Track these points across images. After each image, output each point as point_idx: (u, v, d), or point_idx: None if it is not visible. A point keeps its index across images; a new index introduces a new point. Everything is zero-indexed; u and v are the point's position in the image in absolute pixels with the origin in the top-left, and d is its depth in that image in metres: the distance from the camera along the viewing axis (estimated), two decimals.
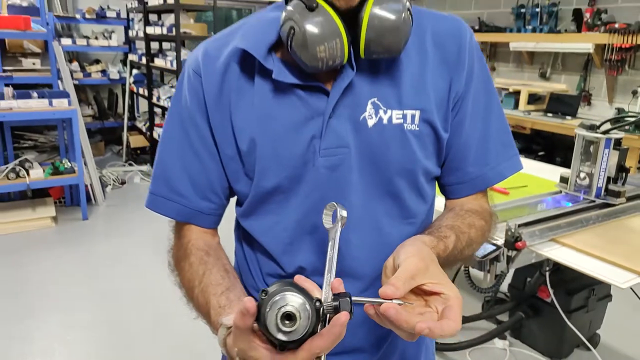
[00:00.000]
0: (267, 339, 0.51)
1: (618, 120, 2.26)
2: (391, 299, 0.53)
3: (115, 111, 5.86)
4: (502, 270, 1.55)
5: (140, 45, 5.34)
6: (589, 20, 4.31)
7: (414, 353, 0.84)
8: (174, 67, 4.48)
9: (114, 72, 5.53)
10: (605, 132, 1.76)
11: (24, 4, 4.14)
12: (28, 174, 3.62)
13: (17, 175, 3.60)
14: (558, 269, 1.97)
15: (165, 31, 4.55)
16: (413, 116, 0.71)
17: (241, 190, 0.76)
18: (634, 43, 3.93)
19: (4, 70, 3.80)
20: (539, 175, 2.25)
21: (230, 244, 0.84)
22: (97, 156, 5.06)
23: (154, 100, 5.06)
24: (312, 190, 0.71)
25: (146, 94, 5.17)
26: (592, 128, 1.78)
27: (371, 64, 0.70)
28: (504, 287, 2.46)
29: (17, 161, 3.69)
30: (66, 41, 5.08)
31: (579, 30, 4.44)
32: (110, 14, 5.40)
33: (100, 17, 5.33)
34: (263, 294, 0.49)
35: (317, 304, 0.49)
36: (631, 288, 2.09)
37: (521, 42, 4.90)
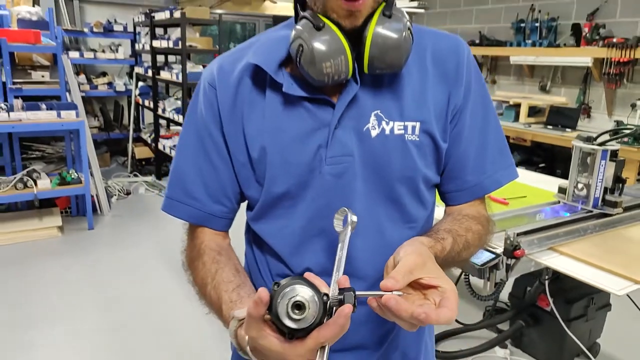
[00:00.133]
0: (277, 328, 0.55)
1: (617, 132, 2.31)
2: (391, 291, 0.58)
3: (120, 123, 5.93)
4: (501, 278, 1.58)
5: (146, 58, 5.43)
6: (588, 35, 4.39)
7: (414, 352, 0.88)
8: (180, 79, 4.56)
9: (120, 85, 5.62)
10: (602, 143, 1.80)
11: (34, 18, 4.23)
12: (36, 184, 3.68)
13: (25, 186, 3.66)
14: (557, 277, 2.01)
15: (171, 44, 4.63)
16: (414, 127, 0.76)
17: (252, 196, 0.81)
18: (631, 57, 4.00)
19: (14, 83, 3.87)
20: (538, 186, 2.30)
21: (240, 248, 0.89)
22: (103, 167, 5.12)
23: (160, 112, 5.13)
24: (318, 196, 0.76)
25: (152, 105, 5.25)
26: (589, 140, 1.83)
27: (374, 78, 0.75)
28: (505, 296, 2.49)
29: (24, 171, 3.75)
30: (74, 54, 5.17)
31: (577, 44, 4.51)
32: (117, 27, 5.50)
33: (108, 30, 5.43)
34: (275, 286, 0.54)
35: (325, 297, 0.54)
36: (630, 297, 2.14)
37: (521, 56, 4.97)
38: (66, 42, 5.43)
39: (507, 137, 4.57)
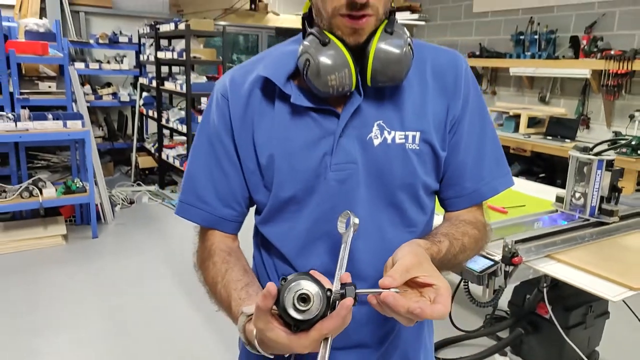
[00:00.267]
0: (283, 321, 0.60)
1: (614, 142, 2.35)
2: (389, 288, 0.62)
3: (124, 132, 6.00)
4: (500, 285, 1.62)
5: (151, 68, 5.50)
6: (586, 47, 4.45)
7: (414, 351, 0.92)
8: (184, 90, 4.62)
9: (124, 95, 5.69)
10: (598, 153, 1.84)
11: (41, 29, 4.31)
12: (41, 192, 3.72)
13: (31, 194, 3.71)
14: (556, 285, 2.04)
15: (175, 56, 4.71)
16: (414, 137, 0.81)
17: (260, 200, 0.85)
18: (629, 69, 4.06)
19: (21, 93, 3.94)
20: (536, 195, 2.33)
21: (248, 251, 0.93)
22: (107, 176, 5.17)
23: (163, 122, 5.20)
24: (323, 201, 0.80)
25: (155, 116, 5.31)
26: (586, 150, 1.87)
27: (377, 90, 0.80)
28: (505, 304, 2.52)
29: (30, 180, 3.80)
30: (79, 65, 5.25)
31: (576, 56, 4.57)
32: (122, 39, 5.58)
33: (113, 42, 5.51)
34: (283, 281, 0.58)
35: (328, 292, 0.59)
36: (628, 306, 2.17)
37: (521, 68, 5.04)
38: (72, 53, 5.52)
39: (507, 148, 4.67)
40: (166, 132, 5.52)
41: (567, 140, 4.40)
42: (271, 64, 0.82)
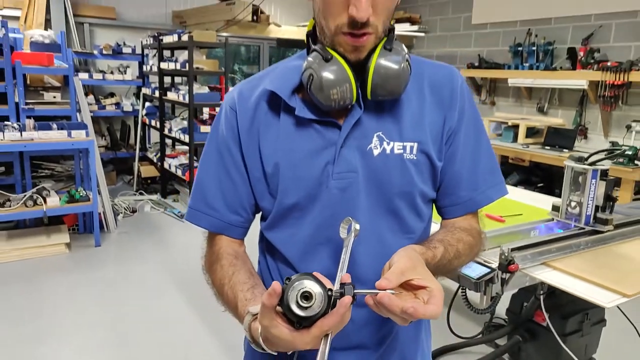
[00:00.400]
0: (287, 319, 0.64)
1: (611, 152, 2.40)
2: (385, 289, 0.66)
3: (127, 142, 6.05)
4: (497, 292, 1.65)
5: (154, 79, 5.57)
6: (583, 59, 4.52)
7: (412, 352, 0.96)
8: (186, 100, 4.68)
9: (127, 105, 5.75)
10: (593, 163, 1.89)
11: (47, 41, 4.37)
12: (45, 201, 3.77)
13: (35, 203, 3.75)
14: (553, 293, 2.07)
15: (178, 66, 4.77)
16: (412, 147, 0.86)
17: (266, 207, 0.90)
18: (625, 80, 4.12)
19: (27, 103, 4.00)
20: (534, 204, 2.38)
21: (254, 256, 0.97)
22: (109, 185, 5.21)
23: (166, 131, 5.25)
24: (325, 208, 0.85)
25: (158, 125, 5.37)
26: (580, 160, 1.92)
27: (376, 104, 0.85)
28: (503, 312, 2.55)
29: (34, 189, 3.85)
30: (83, 75, 5.31)
31: (573, 67, 4.64)
32: (126, 50, 5.65)
33: (117, 52, 5.58)
34: (287, 280, 0.63)
35: (329, 291, 0.63)
36: (624, 314, 2.20)
37: (519, 78, 5.10)
38: (76, 63, 5.59)
39: (506, 157, 4.71)
40: (168, 141, 5.57)
41: (565, 150, 4.44)
42: (277, 78, 0.87)
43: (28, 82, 4.36)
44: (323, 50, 0.80)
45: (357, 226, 0.75)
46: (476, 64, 5.57)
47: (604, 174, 1.91)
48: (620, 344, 2.62)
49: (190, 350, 2.62)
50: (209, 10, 5.83)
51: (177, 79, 5.83)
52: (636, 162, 3.81)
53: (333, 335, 0.64)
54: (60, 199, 3.84)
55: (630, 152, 3.72)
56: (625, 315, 2.20)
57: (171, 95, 5.07)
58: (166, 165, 5.26)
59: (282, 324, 0.64)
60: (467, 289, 1.86)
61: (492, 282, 1.61)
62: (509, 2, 5.38)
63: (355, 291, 0.65)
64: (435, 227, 0.97)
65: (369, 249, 0.85)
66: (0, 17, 4.19)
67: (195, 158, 4.86)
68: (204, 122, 5.10)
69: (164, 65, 5.07)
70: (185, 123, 5.04)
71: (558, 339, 2.00)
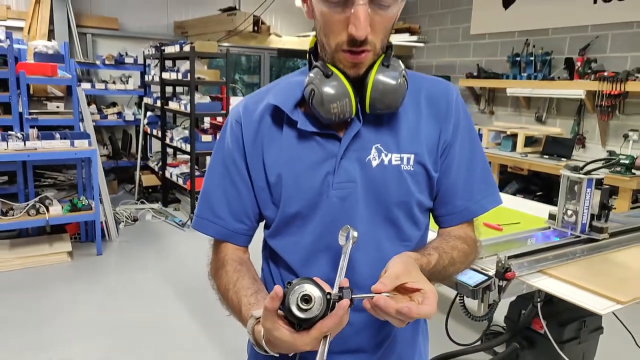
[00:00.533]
0: (288, 322, 0.68)
1: (608, 161, 2.43)
2: (381, 293, 0.70)
3: (128, 151, 6.09)
4: (494, 299, 1.68)
5: (155, 89, 5.62)
6: (580, 69, 4.57)
7: (409, 356, 0.99)
8: (188, 110, 4.73)
9: (129, 114, 5.80)
10: (588, 172, 1.92)
11: (50, 51, 4.43)
12: (48, 210, 3.80)
13: (37, 212, 3.78)
14: (550, 300, 2.10)
15: (180, 76, 4.82)
16: (409, 159, 0.90)
17: (269, 216, 0.94)
18: (622, 90, 4.17)
19: (30, 113, 4.04)
20: (531, 213, 2.41)
21: (257, 264, 1.01)
22: (111, 194, 5.24)
23: (167, 141, 5.29)
24: (325, 216, 0.89)
25: (159, 135, 5.41)
26: (576, 169, 1.96)
27: (375, 117, 0.89)
28: (501, 320, 2.57)
29: (37, 198, 3.88)
30: (86, 85, 5.37)
31: (571, 77, 4.69)
32: (128, 60, 5.71)
33: (119, 63, 5.65)
34: (288, 285, 0.67)
35: (328, 295, 0.67)
36: (622, 322, 2.22)
37: (517, 88, 5.16)
38: (78, 73, 5.65)
39: (505, 166, 4.75)
40: (170, 150, 5.61)
41: (563, 159, 4.48)
42: (280, 93, 0.91)
43: (31, 92, 4.41)
44: (324, 67, 0.84)
45: (355, 233, 0.79)
46: (475, 73, 5.63)
47: (599, 183, 1.94)
48: (618, 352, 2.64)
49: (192, 357, 2.64)
50: (211, 21, 5.90)
51: (179, 89, 5.89)
52: (633, 171, 3.85)
53: (332, 337, 0.68)
54: (62, 207, 3.88)
55: (627, 161, 3.76)
56: (623, 323, 2.23)
57: (173, 105, 5.12)
58: (167, 174, 5.30)
59: (283, 326, 0.68)
60: (464, 297, 1.89)
61: (490, 289, 1.64)
62: (507, 13, 5.45)
63: (352, 295, 0.69)
64: (432, 235, 1.00)
65: (367, 256, 0.89)
66: (4, 28, 4.24)
67: (196, 167, 4.90)
68: (205, 132, 5.15)
69: (165, 75, 5.12)
70: (187, 132, 5.09)
71: (555, 346, 2.02)
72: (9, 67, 3.90)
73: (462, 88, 5.89)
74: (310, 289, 0.66)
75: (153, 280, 3.58)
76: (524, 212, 2.42)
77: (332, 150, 0.88)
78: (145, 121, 5.82)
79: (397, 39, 6.41)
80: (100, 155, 5.50)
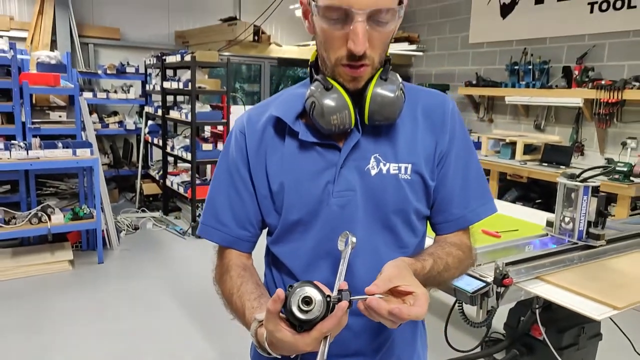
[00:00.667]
0: (290, 323, 0.70)
1: (605, 169, 2.46)
2: (374, 294, 0.73)
3: (129, 160, 6.13)
4: (492, 306, 1.70)
5: (156, 98, 5.67)
6: (578, 77, 4.61)
7: (408, 359, 1.01)
8: (189, 118, 4.76)
9: (130, 123, 5.84)
10: (584, 180, 1.95)
11: (53, 62, 4.48)
12: (49, 219, 3.83)
13: (40, 221, 3.81)
14: (549, 307, 2.12)
15: (181, 86, 4.87)
16: (406, 168, 0.93)
17: (271, 223, 0.97)
18: (619, 98, 4.21)
19: (33, 123, 4.08)
20: (530, 220, 2.43)
21: (260, 270, 1.03)
22: (112, 203, 5.25)
23: (168, 149, 5.33)
24: (326, 223, 0.92)
25: (160, 143, 5.45)
26: (572, 177, 1.98)
27: (373, 128, 0.92)
28: (501, 327, 2.59)
29: (39, 207, 3.91)
30: (87, 94, 5.42)
31: (569, 86, 4.73)
32: (129, 69, 5.77)
33: (120, 72, 5.70)
34: (289, 288, 0.69)
35: (328, 298, 0.70)
36: (620, 328, 2.24)
37: (516, 96, 5.20)
38: (80, 83, 5.70)
39: (504, 174, 4.78)
40: (170, 159, 5.65)
41: (562, 166, 4.50)
42: (282, 105, 0.95)
43: (34, 101, 4.45)
44: (324, 80, 0.88)
45: (354, 239, 0.82)
46: (474, 82, 5.67)
47: (596, 190, 1.97)
48: (616, 358, 2.66)
49: None
50: (211, 31, 5.96)
51: (180, 98, 5.94)
52: (632, 178, 3.88)
53: (332, 338, 0.70)
54: (64, 216, 3.90)
55: (625, 169, 3.78)
56: (621, 330, 2.24)
57: (174, 114, 5.17)
58: (168, 183, 5.33)
59: (285, 327, 0.71)
60: (463, 303, 1.91)
61: (488, 295, 1.66)
62: (505, 22, 5.51)
63: (351, 297, 0.72)
64: (429, 241, 1.03)
65: (366, 262, 0.91)
66: (7, 38, 4.29)
67: (197, 175, 4.93)
68: (205, 140, 5.18)
69: (166, 84, 5.17)
70: (187, 141, 5.13)
71: (554, 352, 2.04)
72: (12, 78, 3.94)
73: (461, 96, 5.93)
74: (310, 291, 0.68)
75: (154, 289, 3.60)
76: (522, 220, 2.44)
77: (333, 159, 0.91)
78: (146, 130, 5.86)
79: (396, 48, 6.46)
80: (102, 164, 5.55)
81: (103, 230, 4.16)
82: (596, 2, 4.63)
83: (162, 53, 5.34)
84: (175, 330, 3.03)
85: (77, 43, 5.69)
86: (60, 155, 3.80)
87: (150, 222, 5.13)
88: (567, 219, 2.03)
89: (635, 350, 2.35)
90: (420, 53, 6.67)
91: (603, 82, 4.36)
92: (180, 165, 5.82)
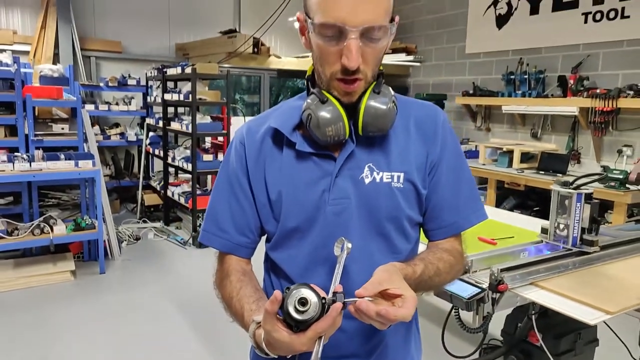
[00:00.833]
0: (286, 324, 0.74)
1: (599, 175, 2.50)
2: (363, 297, 0.76)
3: (131, 171, 6.18)
4: (488, 312, 1.73)
5: (157, 109, 5.73)
6: (573, 86, 4.67)
7: None
8: (189, 130, 4.81)
9: (131, 135, 5.90)
10: (577, 187, 1.99)
11: (55, 75, 4.54)
12: (52, 230, 3.86)
13: (42, 231, 3.84)
14: (545, 313, 2.15)
15: (182, 97, 4.93)
16: (399, 177, 0.97)
17: (270, 230, 1.01)
18: (614, 107, 4.26)
19: (36, 135, 4.13)
20: (526, 227, 2.47)
21: (259, 276, 1.07)
22: (113, 213, 5.29)
23: (169, 160, 5.37)
24: (322, 230, 0.96)
25: (161, 154, 5.50)
26: (566, 184, 2.03)
27: (367, 139, 0.97)
28: (499, 334, 2.62)
29: (41, 218, 3.94)
30: (89, 107, 5.47)
31: (564, 95, 4.79)
32: (130, 81, 5.83)
33: (122, 84, 5.77)
34: (287, 290, 0.73)
35: (323, 300, 0.74)
36: (616, 334, 2.27)
37: (512, 106, 5.25)
38: (82, 95, 5.76)
39: (502, 182, 4.82)
40: (171, 170, 5.70)
41: (559, 174, 4.54)
42: (280, 117, 1.00)
43: (37, 114, 4.51)
44: (320, 93, 0.92)
45: (349, 245, 0.86)
46: (471, 91, 5.74)
47: (589, 197, 2.01)
48: None
49: None
50: (211, 43, 6.03)
51: (180, 109, 5.99)
52: (627, 185, 3.91)
53: (326, 339, 0.74)
54: (66, 227, 3.94)
55: (621, 177, 3.82)
56: (617, 336, 2.27)
57: (174, 125, 5.22)
58: (169, 193, 5.37)
59: (282, 328, 0.75)
60: (460, 309, 1.94)
61: (483, 301, 1.69)
62: (501, 32, 5.59)
63: (345, 300, 0.76)
64: (423, 247, 1.07)
65: (361, 267, 0.95)
66: (11, 52, 4.35)
67: (198, 186, 4.97)
68: (206, 151, 5.23)
69: (167, 96, 5.23)
70: (188, 152, 5.17)
71: (552, 359, 2.06)
72: (15, 91, 4.00)
73: (459, 106, 5.99)
74: (306, 293, 0.72)
75: (155, 298, 3.63)
76: (518, 227, 2.48)
77: (328, 169, 0.96)
78: (148, 141, 5.91)
79: (394, 59, 6.54)
80: (103, 175, 5.59)
81: (105, 241, 4.20)
82: (590, 13, 4.70)
83: (163, 65, 5.41)
84: (176, 339, 3.05)
85: (79, 56, 5.77)
86: (62, 166, 3.85)
87: (151, 233, 5.16)
88: (561, 226, 2.06)
89: (632, 356, 2.37)
90: (418, 63, 6.75)
91: (598, 91, 4.42)
92: (181, 175, 5.87)
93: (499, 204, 4.93)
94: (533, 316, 2.07)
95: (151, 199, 5.82)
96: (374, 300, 0.77)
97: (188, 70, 4.74)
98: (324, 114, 0.90)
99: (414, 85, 6.90)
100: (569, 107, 4.65)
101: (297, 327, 0.73)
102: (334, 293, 0.76)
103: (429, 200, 1.01)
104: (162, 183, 5.53)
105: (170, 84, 5.58)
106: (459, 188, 1.03)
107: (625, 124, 4.48)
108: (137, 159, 6.16)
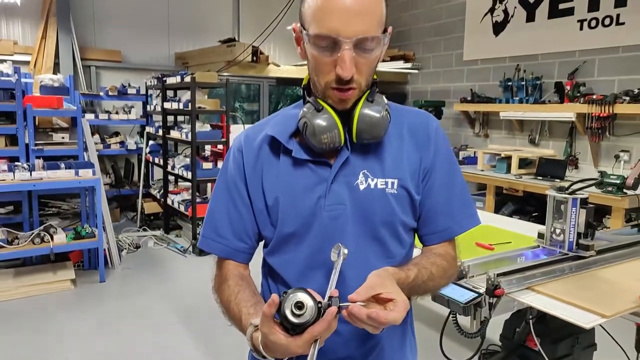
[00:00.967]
0: (283, 327, 0.76)
1: (596, 181, 2.52)
2: (355, 301, 0.78)
3: (131, 179, 6.19)
4: (485, 317, 1.75)
5: (157, 118, 5.76)
6: (570, 92, 4.71)
7: None
8: (189, 138, 4.84)
9: (131, 143, 5.93)
10: (572, 192, 2.01)
11: (56, 84, 4.58)
12: (52, 238, 3.88)
13: (42, 240, 3.86)
14: (543, 318, 2.16)
15: (181, 106, 4.96)
16: (393, 183, 0.99)
17: (267, 235, 1.04)
18: (611, 112, 4.29)
19: (36, 144, 4.16)
20: (523, 232, 2.48)
21: (257, 281, 1.09)
22: (113, 222, 5.30)
23: (169, 168, 5.40)
24: (318, 235, 0.98)
25: (161, 163, 5.52)
26: (561, 189, 2.05)
27: (362, 146, 0.99)
28: (497, 339, 2.62)
29: (42, 227, 3.95)
30: (89, 116, 5.50)
31: (561, 101, 4.82)
32: (130, 90, 5.87)
33: (122, 93, 5.80)
34: (284, 294, 0.75)
35: (319, 304, 0.76)
36: (614, 338, 2.28)
37: (510, 112, 5.28)
38: (82, 105, 5.79)
39: (500, 188, 4.85)
40: (171, 178, 5.72)
41: (557, 180, 4.55)
42: (277, 125, 1.02)
43: (37, 123, 4.54)
44: (315, 102, 0.95)
45: (346, 250, 0.88)
46: (469, 98, 5.77)
47: (584, 202, 2.03)
48: None
49: None
50: (211, 52, 6.08)
51: (180, 118, 6.02)
52: (625, 190, 3.93)
53: (322, 342, 0.76)
54: (66, 236, 3.95)
55: (618, 181, 3.85)
56: (615, 341, 2.28)
57: (174, 134, 5.24)
58: (169, 202, 5.39)
59: (279, 331, 0.76)
60: (457, 314, 1.95)
61: (480, 306, 1.71)
62: (498, 39, 5.63)
63: (340, 304, 0.77)
64: (417, 252, 1.09)
65: (356, 271, 0.97)
66: (11, 62, 4.39)
67: (197, 194, 4.99)
68: (206, 159, 5.26)
69: (167, 104, 5.26)
70: (188, 160, 5.20)
71: None
72: (16, 101, 4.03)
73: (457, 112, 6.03)
74: (303, 297, 0.74)
75: (155, 307, 3.63)
76: (515, 232, 2.49)
77: (324, 175, 0.98)
78: (148, 150, 5.94)
79: (392, 66, 6.59)
80: (103, 184, 5.61)
81: (105, 249, 4.21)
82: (585, 20, 4.75)
83: (162, 74, 5.45)
84: (177, 347, 3.06)
85: (79, 66, 5.81)
86: (62, 175, 3.87)
87: (151, 241, 5.17)
88: (557, 231, 2.08)
89: (629, 358, 2.38)
90: (416, 71, 6.80)
91: (594, 96, 4.45)
92: (181, 184, 5.88)
93: (497, 210, 4.95)
94: (530, 321, 2.08)
95: (151, 207, 5.83)
96: (367, 305, 0.79)
97: (187, 79, 4.77)
98: (320, 121, 0.93)
99: (413, 92, 6.94)
100: (566, 113, 4.68)
101: (294, 330, 0.75)
102: (330, 297, 0.78)
103: (423, 206, 1.03)
104: (162, 191, 5.54)
105: (169, 93, 5.62)
106: (452, 193, 1.05)
107: (622, 130, 4.51)
108: (137, 168, 6.18)
